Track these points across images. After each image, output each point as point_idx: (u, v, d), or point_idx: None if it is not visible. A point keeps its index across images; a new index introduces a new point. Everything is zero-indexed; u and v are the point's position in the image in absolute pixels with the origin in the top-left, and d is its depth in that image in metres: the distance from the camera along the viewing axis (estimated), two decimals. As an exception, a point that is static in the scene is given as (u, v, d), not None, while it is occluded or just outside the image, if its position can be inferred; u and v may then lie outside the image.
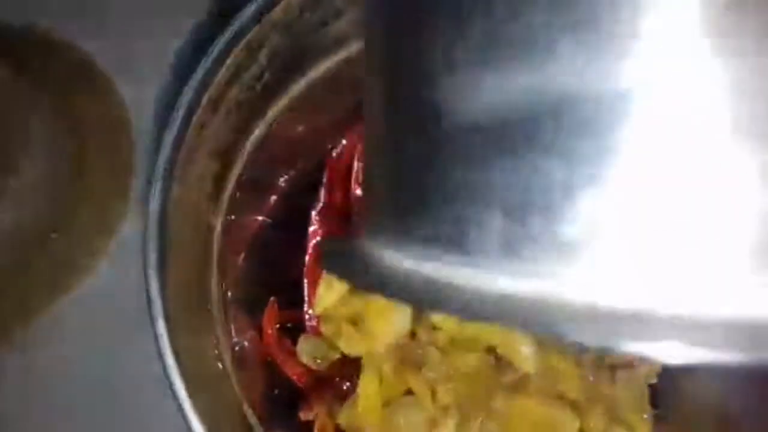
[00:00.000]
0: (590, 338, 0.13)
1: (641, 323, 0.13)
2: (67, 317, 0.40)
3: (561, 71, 0.13)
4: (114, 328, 0.39)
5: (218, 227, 0.27)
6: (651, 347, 0.12)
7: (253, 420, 0.28)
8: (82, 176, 0.44)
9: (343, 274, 0.18)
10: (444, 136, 0.15)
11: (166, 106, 0.23)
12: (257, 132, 0.29)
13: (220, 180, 0.27)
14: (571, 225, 0.13)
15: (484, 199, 0.14)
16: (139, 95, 0.44)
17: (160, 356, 0.23)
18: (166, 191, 0.22)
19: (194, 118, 0.23)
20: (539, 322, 0.13)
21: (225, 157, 0.27)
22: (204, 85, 0.23)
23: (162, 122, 0.24)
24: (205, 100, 0.23)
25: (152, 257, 0.22)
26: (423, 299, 0.15)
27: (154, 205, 0.22)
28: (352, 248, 0.18)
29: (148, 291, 0.21)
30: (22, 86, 0.45)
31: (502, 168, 0.14)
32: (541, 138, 0.13)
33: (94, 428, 0.38)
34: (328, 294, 0.32)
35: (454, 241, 0.14)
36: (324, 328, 0.32)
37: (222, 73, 0.24)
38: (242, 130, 0.28)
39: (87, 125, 0.45)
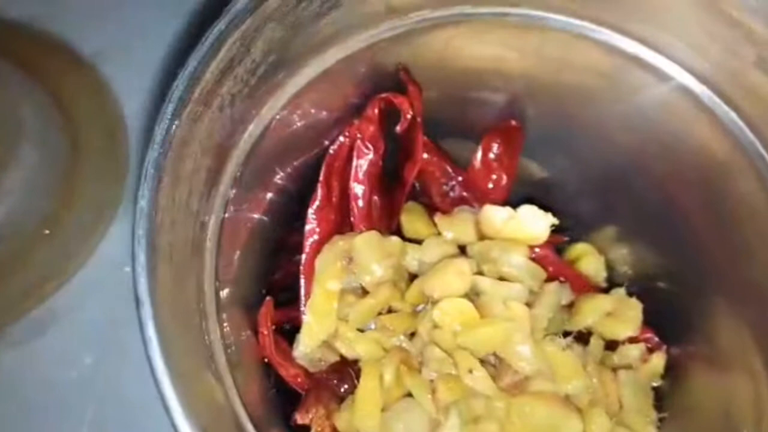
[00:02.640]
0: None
1: None
2: (60, 312, 0.39)
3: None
4: (106, 323, 0.39)
5: (211, 225, 0.27)
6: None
7: (247, 424, 0.27)
8: (76, 172, 0.44)
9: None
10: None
11: (159, 100, 0.22)
12: (252, 128, 0.28)
13: (214, 176, 0.26)
14: None
15: None
16: (132, 89, 0.43)
17: (149, 360, 0.22)
18: (156, 188, 0.21)
19: (186, 112, 0.22)
20: None
21: (219, 153, 0.26)
22: (196, 77, 0.23)
23: (155, 116, 0.23)
24: (197, 93, 0.23)
25: (141, 257, 0.21)
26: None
27: (144, 202, 0.21)
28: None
29: (136, 292, 0.21)
30: (16, 81, 0.44)
31: None
32: None
33: (86, 421, 0.37)
34: (310, 339, 0.31)
35: None
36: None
37: (214, 66, 0.23)
38: (237, 126, 0.27)
39: (81, 120, 0.45)
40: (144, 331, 0.20)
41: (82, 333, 0.39)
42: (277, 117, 0.29)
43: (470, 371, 0.29)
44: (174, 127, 0.22)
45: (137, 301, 0.20)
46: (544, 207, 0.36)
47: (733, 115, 0.30)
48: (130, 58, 0.44)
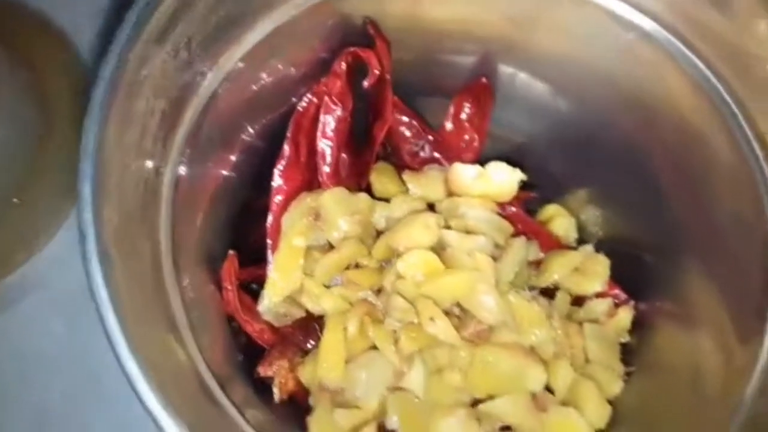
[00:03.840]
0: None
1: None
2: (30, 282, 0.39)
3: None
4: (77, 293, 0.39)
5: (168, 173, 0.26)
6: None
7: (211, 381, 0.27)
8: (47, 142, 0.43)
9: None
10: None
11: None
12: (211, 76, 0.28)
13: (170, 121, 0.26)
14: None
15: None
16: (101, 53, 0.43)
17: (101, 320, 0.22)
18: (102, 124, 0.21)
19: (134, 50, 0.22)
20: None
21: (175, 98, 0.26)
22: (146, 15, 0.22)
23: None
24: (146, 32, 0.22)
25: (86, 191, 0.20)
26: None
27: (90, 137, 0.21)
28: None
29: (80, 225, 0.20)
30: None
31: None
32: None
33: (57, 390, 0.37)
34: (273, 294, 0.31)
35: None
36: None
37: (166, 5, 0.23)
38: (194, 72, 0.26)
39: (52, 91, 0.44)
40: (87, 265, 0.20)
41: (52, 303, 0.39)
42: (238, 67, 0.29)
43: (432, 319, 0.29)
44: (120, 64, 0.21)
45: (80, 236, 0.20)
46: (517, 167, 0.37)
47: (696, 61, 0.30)
48: (102, 28, 0.44)
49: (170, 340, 0.26)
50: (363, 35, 0.34)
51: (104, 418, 0.36)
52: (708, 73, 0.30)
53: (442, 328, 0.29)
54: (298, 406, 0.32)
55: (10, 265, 0.40)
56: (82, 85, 0.44)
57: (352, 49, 0.34)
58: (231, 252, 0.31)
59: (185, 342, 0.26)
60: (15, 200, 0.41)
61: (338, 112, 0.34)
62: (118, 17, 0.42)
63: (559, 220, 0.39)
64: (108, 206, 0.21)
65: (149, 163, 0.25)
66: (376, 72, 0.34)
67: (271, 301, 0.31)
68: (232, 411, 0.25)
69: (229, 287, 0.31)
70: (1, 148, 0.42)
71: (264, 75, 0.32)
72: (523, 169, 0.36)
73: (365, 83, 0.34)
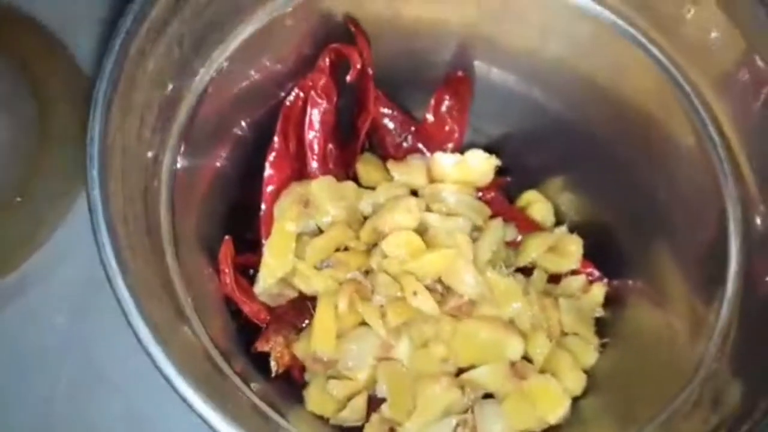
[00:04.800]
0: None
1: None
2: (32, 277, 0.40)
3: None
4: (79, 287, 0.40)
5: (166, 163, 0.28)
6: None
7: (216, 355, 0.28)
8: (45, 139, 0.44)
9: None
10: None
11: None
12: (203, 71, 0.29)
13: (167, 113, 0.28)
14: None
15: None
16: (96, 55, 0.45)
17: (114, 292, 0.23)
18: (105, 113, 0.23)
19: (133, 45, 0.24)
20: None
21: (171, 91, 0.27)
22: (143, 12, 0.24)
23: None
24: (144, 28, 0.24)
25: (94, 173, 0.22)
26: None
27: (95, 124, 0.23)
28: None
29: (89, 201, 0.22)
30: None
31: None
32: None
33: (61, 383, 0.38)
34: (268, 276, 0.33)
35: None
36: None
37: (162, 4, 0.25)
38: (187, 67, 0.28)
39: (48, 88, 0.45)
40: (102, 254, 0.21)
41: (54, 297, 0.39)
42: (228, 63, 0.31)
43: (415, 294, 0.31)
44: (122, 57, 0.23)
45: (90, 211, 0.22)
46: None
47: (655, 51, 0.32)
48: (95, 25, 0.45)
49: (175, 316, 0.27)
50: (344, 32, 0.36)
51: (109, 411, 0.37)
52: (667, 62, 0.32)
53: (424, 301, 0.31)
54: (293, 381, 0.34)
55: (12, 262, 0.41)
56: (78, 85, 0.46)
57: (334, 45, 0.36)
58: (227, 237, 0.33)
59: (190, 319, 0.27)
60: (17, 199, 0.43)
61: (324, 105, 0.37)
62: (112, 18, 0.44)
63: (537, 206, 0.41)
64: (113, 187, 0.23)
65: (149, 152, 0.27)
66: (358, 66, 0.36)
67: (266, 282, 0.33)
68: (238, 381, 0.27)
69: (227, 270, 0.33)
70: (2, 148, 0.44)
71: (252, 71, 0.34)
72: (501, 159, 0.39)
73: (348, 77, 0.36)
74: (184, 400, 0.23)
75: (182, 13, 0.26)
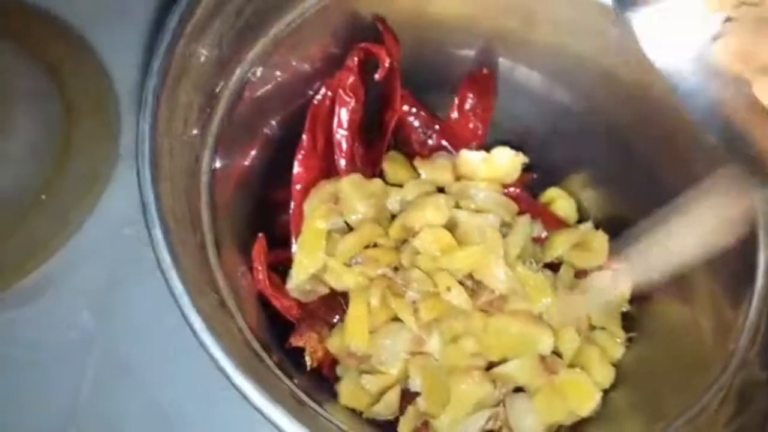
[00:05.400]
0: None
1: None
2: (57, 275, 0.41)
3: None
4: (104, 285, 0.40)
5: (206, 161, 0.29)
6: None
7: (256, 345, 0.29)
8: (70, 137, 0.45)
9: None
10: None
11: (145, 63, 0.24)
12: (239, 72, 0.30)
13: (206, 113, 0.28)
14: None
15: None
16: (119, 54, 0.45)
17: (165, 279, 0.23)
18: (155, 113, 0.23)
19: (179, 47, 0.24)
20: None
21: (209, 91, 0.28)
22: (189, 13, 0.24)
23: (142, 80, 0.24)
24: (189, 28, 0.25)
25: (146, 171, 0.23)
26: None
27: (146, 125, 0.23)
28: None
29: (142, 197, 0.22)
30: (8, 51, 0.46)
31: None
32: None
33: (86, 381, 0.38)
34: (300, 273, 0.33)
35: None
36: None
37: (206, 3, 0.25)
38: (225, 68, 0.29)
39: (72, 86, 0.46)
40: (154, 244, 0.22)
41: (79, 294, 0.40)
42: (261, 64, 0.31)
43: (448, 289, 0.31)
44: (168, 58, 0.24)
45: (143, 208, 0.22)
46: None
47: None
48: (117, 25, 0.46)
49: (220, 309, 0.28)
50: (372, 31, 0.37)
51: (135, 408, 0.37)
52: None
53: (458, 297, 0.31)
54: (324, 377, 0.34)
55: (37, 259, 0.41)
56: (103, 86, 0.47)
57: (363, 44, 0.36)
58: (260, 234, 0.34)
59: (232, 313, 0.28)
60: (42, 197, 0.43)
61: (352, 104, 0.37)
62: (138, 20, 0.45)
63: (560, 202, 0.42)
64: (163, 186, 0.24)
65: (191, 153, 0.27)
66: (387, 65, 0.36)
67: (298, 278, 0.33)
68: (278, 371, 0.27)
69: (260, 267, 0.33)
70: (28, 147, 0.44)
71: (283, 71, 0.34)
72: (524, 155, 0.39)
73: (376, 76, 0.37)
74: (230, 380, 0.23)
75: (224, 12, 0.26)
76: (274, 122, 0.36)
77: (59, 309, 0.40)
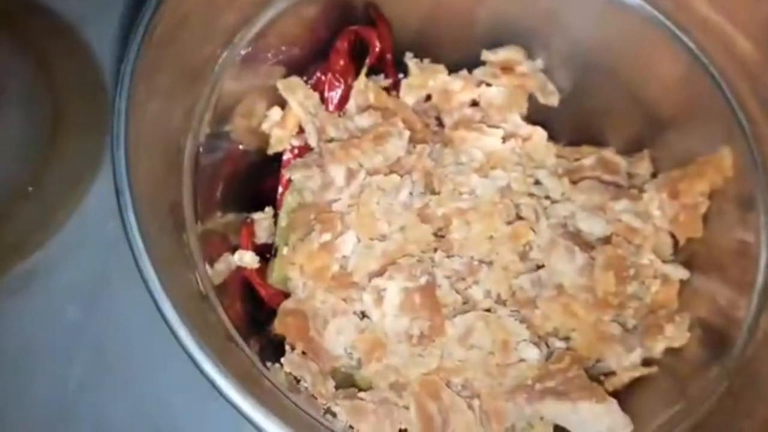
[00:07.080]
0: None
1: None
2: (43, 268, 0.40)
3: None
4: (89, 278, 0.40)
5: (189, 147, 0.28)
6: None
7: (235, 334, 0.28)
8: (58, 131, 0.44)
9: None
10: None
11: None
12: (225, 56, 0.29)
13: (189, 95, 0.27)
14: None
15: None
16: (111, 50, 0.44)
17: (140, 271, 0.23)
18: (131, 92, 0.23)
19: (159, 29, 0.24)
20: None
21: (192, 75, 0.27)
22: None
23: None
24: (167, 14, 0.24)
25: (120, 151, 0.22)
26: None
27: (122, 103, 0.22)
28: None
29: (116, 182, 0.22)
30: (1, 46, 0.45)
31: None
32: None
33: (72, 374, 0.38)
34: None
35: None
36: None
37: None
38: (209, 52, 0.28)
39: (62, 81, 0.45)
40: (128, 231, 0.21)
41: (66, 287, 0.39)
42: (249, 48, 0.31)
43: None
44: (147, 38, 0.23)
45: (117, 191, 0.22)
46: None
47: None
48: (110, 22, 0.45)
49: (197, 295, 0.27)
50: (366, 19, 0.36)
51: (120, 401, 0.37)
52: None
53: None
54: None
55: (23, 252, 0.41)
56: (93, 77, 0.46)
57: (353, 27, 0.35)
58: (248, 219, 0.33)
59: (210, 299, 0.27)
60: (29, 188, 0.43)
61: (342, 88, 0.36)
62: (128, 12, 0.44)
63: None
64: (138, 166, 0.23)
65: (173, 136, 0.26)
66: (377, 49, 0.36)
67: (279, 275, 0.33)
68: (255, 359, 0.27)
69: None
70: (15, 139, 0.44)
71: (273, 55, 0.34)
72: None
73: (367, 60, 0.36)
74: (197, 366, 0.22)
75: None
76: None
77: (46, 302, 0.39)
